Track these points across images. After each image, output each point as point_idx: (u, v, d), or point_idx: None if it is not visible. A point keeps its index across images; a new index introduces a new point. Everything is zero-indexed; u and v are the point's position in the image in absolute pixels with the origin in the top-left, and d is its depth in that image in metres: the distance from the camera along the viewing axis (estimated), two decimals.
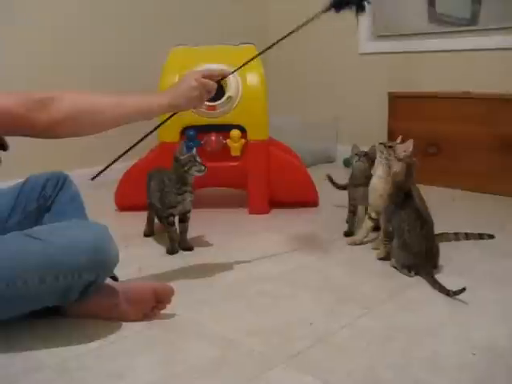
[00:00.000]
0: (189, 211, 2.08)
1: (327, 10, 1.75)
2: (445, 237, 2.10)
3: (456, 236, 2.14)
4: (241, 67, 1.79)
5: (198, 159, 1.99)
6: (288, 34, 1.72)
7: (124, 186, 2.63)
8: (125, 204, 2.64)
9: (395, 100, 3.29)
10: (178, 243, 2.09)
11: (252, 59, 1.82)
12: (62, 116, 1.37)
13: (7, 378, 1.28)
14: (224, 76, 1.70)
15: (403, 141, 1.91)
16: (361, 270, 1.90)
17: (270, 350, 1.37)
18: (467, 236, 2.14)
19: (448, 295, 1.64)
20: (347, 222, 2.28)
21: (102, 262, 1.42)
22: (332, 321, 1.52)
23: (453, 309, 1.59)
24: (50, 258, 1.36)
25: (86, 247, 1.38)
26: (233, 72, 1.80)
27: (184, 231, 2.11)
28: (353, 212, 2.27)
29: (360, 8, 1.76)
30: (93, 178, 1.66)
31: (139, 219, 2.34)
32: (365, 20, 3.61)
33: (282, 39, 1.72)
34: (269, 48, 1.77)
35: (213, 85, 1.62)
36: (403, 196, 1.84)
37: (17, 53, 2.92)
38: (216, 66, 2.46)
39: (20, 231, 1.46)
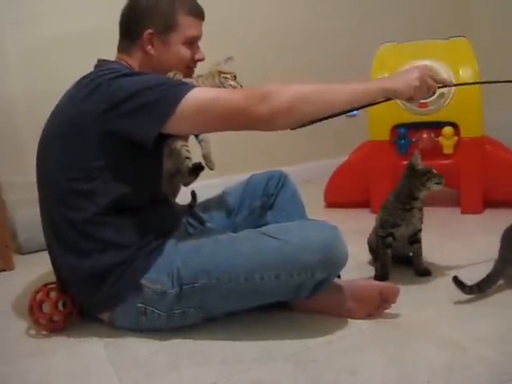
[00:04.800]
0: (419, 230, 1.85)
1: None
2: None
3: None
4: (464, 84, 1.77)
5: (434, 170, 1.83)
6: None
7: (334, 182, 2.70)
8: (334, 201, 2.71)
9: None
10: (415, 268, 1.87)
11: (478, 83, 1.79)
12: (282, 107, 1.42)
13: (244, 364, 1.39)
14: (445, 85, 1.67)
15: None
16: None
17: (500, 359, 1.33)
18: None
19: None
20: None
21: (334, 260, 1.47)
22: None
23: None
24: (287, 256, 1.45)
25: (320, 247, 1.44)
26: (454, 85, 1.76)
27: (419, 254, 1.86)
28: None
29: None
30: (292, 129, 1.56)
31: (348, 215, 2.43)
32: None
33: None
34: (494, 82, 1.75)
35: (434, 86, 1.60)
36: None
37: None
38: (428, 62, 2.43)
39: (255, 229, 1.58)
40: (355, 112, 1.60)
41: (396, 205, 1.83)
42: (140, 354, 1.48)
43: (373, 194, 2.57)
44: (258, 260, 1.46)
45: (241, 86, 1.75)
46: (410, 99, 1.58)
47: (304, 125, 1.53)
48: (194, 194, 1.95)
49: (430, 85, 1.58)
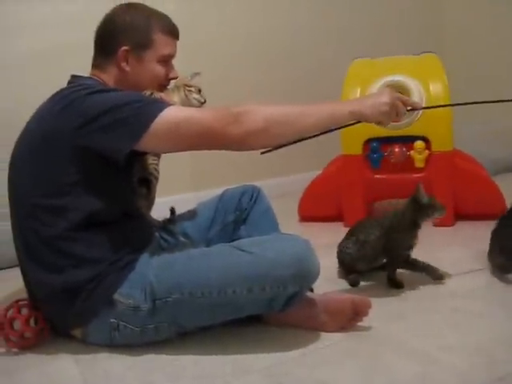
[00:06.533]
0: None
1: None
2: None
3: None
4: (435, 107, 1.86)
5: (437, 201, 1.89)
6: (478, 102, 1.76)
7: (308, 196, 2.72)
8: (308, 214, 2.73)
9: None
10: (431, 275, 1.91)
11: (446, 106, 1.85)
12: (255, 129, 1.44)
13: (218, 378, 1.39)
14: (414, 108, 1.70)
15: None
16: None
17: (473, 370, 1.35)
18: None
19: None
20: None
21: (306, 274, 1.49)
22: None
23: None
24: (259, 270, 1.45)
25: (292, 261, 1.45)
26: (423, 108, 1.79)
27: (426, 265, 1.92)
28: None
29: None
30: (262, 153, 1.64)
31: (321, 229, 2.46)
32: None
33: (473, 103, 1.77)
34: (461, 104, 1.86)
35: (404, 110, 1.62)
36: None
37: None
38: (399, 78, 2.48)
39: (228, 244, 1.59)
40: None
41: (405, 231, 1.88)
42: (113, 370, 1.46)
43: (346, 208, 2.59)
44: (231, 274, 1.46)
45: (205, 100, 1.79)
46: (378, 123, 1.61)
47: (270, 150, 1.57)
48: (172, 211, 1.95)
49: (399, 109, 1.59)
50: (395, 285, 1.88)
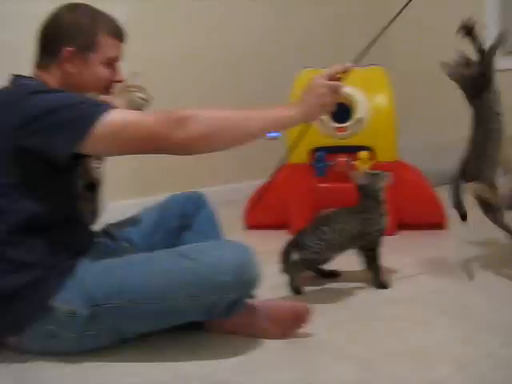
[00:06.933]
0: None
1: None
2: None
3: None
4: (364, 54, 1.73)
5: (373, 172, 2.02)
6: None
7: (253, 204, 2.73)
8: (253, 222, 2.74)
9: None
10: (374, 282, 1.98)
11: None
12: (198, 134, 1.44)
13: None
14: (346, 69, 1.64)
15: None
16: (498, 295, 1.85)
17: (410, 375, 1.37)
18: None
19: None
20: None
21: (247, 281, 1.48)
22: (471, 348, 1.50)
23: None
24: (200, 276, 1.45)
25: (233, 267, 1.45)
26: (353, 66, 1.74)
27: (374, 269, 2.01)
28: None
29: None
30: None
31: (266, 237, 2.46)
32: (492, 38, 3.51)
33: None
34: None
35: (338, 84, 1.58)
36: None
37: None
38: (345, 88, 2.50)
39: (169, 249, 1.58)
40: (276, 134, 1.63)
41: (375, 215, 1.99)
42: (49, 379, 1.43)
43: (291, 216, 2.61)
44: (172, 280, 1.45)
45: (150, 98, 1.79)
46: (324, 108, 1.58)
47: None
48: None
49: (335, 87, 1.57)
50: (382, 285, 1.95)
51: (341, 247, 1.97)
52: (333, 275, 2.07)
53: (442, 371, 1.38)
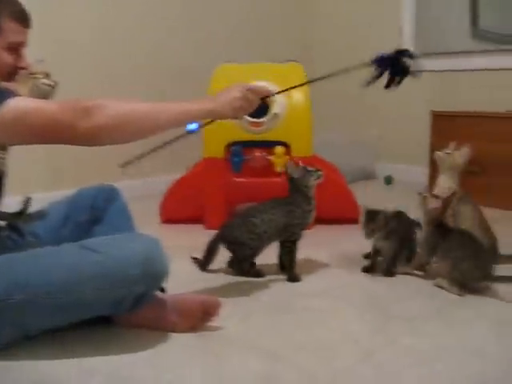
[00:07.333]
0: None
1: (370, 65, 1.80)
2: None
3: None
4: (285, 91, 1.83)
5: (308, 168, 2.03)
6: (328, 76, 1.78)
7: (169, 198, 2.69)
8: (169, 217, 2.70)
9: (438, 119, 3.29)
10: (287, 275, 2.01)
11: (297, 86, 1.93)
12: (105, 124, 1.39)
13: (65, 382, 1.33)
14: (268, 95, 1.71)
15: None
16: (405, 288, 1.91)
17: (317, 366, 1.39)
18: None
19: None
20: None
21: (154, 274, 1.46)
22: (377, 338, 1.54)
23: (500, 329, 1.59)
24: (106, 269, 1.41)
25: (139, 260, 1.43)
26: (276, 93, 1.82)
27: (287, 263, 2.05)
28: None
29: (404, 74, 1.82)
30: (122, 166, 1.66)
31: (182, 231, 2.46)
32: (408, 39, 3.63)
33: (321, 78, 1.79)
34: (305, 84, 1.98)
35: (256, 100, 1.63)
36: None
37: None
38: (262, 84, 2.52)
39: (76, 243, 1.52)
40: (195, 128, 1.62)
41: (301, 210, 2.03)
42: None
43: (207, 211, 2.60)
44: (78, 273, 1.41)
45: (55, 83, 1.74)
46: (234, 118, 1.62)
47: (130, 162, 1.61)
48: (27, 201, 1.82)
49: (252, 101, 1.60)
50: (294, 279, 1.98)
51: (269, 239, 2.00)
52: (259, 275, 2.03)
53: (348, 361, 1.41)
